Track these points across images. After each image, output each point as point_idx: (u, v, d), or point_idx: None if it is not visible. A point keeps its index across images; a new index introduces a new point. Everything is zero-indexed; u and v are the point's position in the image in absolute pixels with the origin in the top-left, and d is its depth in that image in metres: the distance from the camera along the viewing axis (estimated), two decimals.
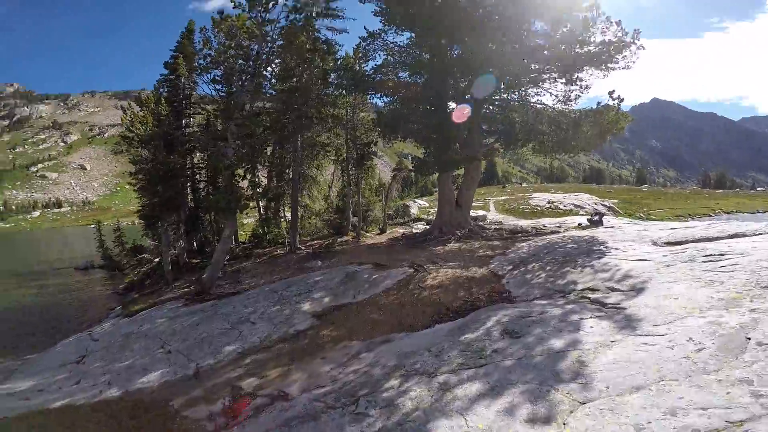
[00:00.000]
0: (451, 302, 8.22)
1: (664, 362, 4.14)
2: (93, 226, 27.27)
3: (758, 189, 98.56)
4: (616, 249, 9.75)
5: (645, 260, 8.16)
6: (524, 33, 13.79)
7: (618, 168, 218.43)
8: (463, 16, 13.70)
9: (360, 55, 18.32)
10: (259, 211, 23.91)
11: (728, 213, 51.22)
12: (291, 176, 18.91)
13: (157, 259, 20.94)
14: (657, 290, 6.31)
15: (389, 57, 16.99)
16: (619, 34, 12.53)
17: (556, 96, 15.16)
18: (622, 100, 12.64)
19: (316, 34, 19.05)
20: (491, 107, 16.76)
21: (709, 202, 61.10)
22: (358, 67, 18.58)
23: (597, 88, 14.87)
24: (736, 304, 5.16)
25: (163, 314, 11.89)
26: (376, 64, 17.39)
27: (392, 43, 16.90)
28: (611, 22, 12.86)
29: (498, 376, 4.55)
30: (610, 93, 12.67)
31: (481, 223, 18.88)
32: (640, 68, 14.36)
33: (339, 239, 19.76)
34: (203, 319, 10.28)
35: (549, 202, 43.39)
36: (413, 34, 16.12)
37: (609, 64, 13.56)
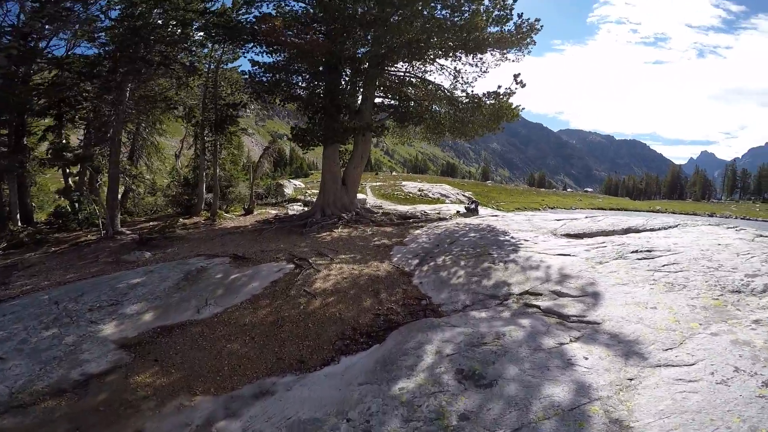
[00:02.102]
0: (357, 317, 5.84)
1: (738, 406, 2.79)
2: None
3: (568, 190, 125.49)
4: (526, 240, 8.84)
5: (569, 255, 7.22)
6: (434, 4, 11.95)
7: (467, 165, 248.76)
8: None
9: (241, 2, 13.99)
10: (66, 181, 17.09)
11: (552, 208, 62.36)
12: (111, 135, 13.40)
13: None
14: (616, 296, 5.14)
15: (278, 9, 13.20)
16: (524, 21, 11.88)
17: (455, 76, 14.03)
18: (524, 86, 12.14)
19: None
20: (387, 79, 14.71)
21: (536, 198, 73.74)
22: (235, 14, 14.22)
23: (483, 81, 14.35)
24: (727, 315, 4.19)
25: None
26: (260, 13, 13.31)
27: None
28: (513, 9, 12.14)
29: None
30: (515, 76, 12.01)
31: (368, 206, 16.98)
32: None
33: (186, 220, 15.27)
34: None
35: (419, 190, 45.08)
36: None
37: (506, 50, 12.93)
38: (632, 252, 6.73)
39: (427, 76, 14.43)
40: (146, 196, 20.87)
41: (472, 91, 13.24)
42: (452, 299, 6.22)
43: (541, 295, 5.71)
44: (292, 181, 41.85)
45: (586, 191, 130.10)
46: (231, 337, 5.45)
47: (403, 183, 51.74)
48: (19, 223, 15.42)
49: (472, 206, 18.51)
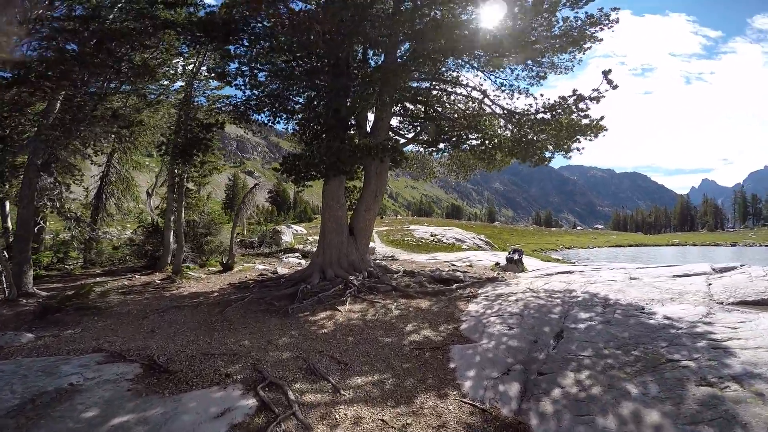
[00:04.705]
0: None
1: None
2: None
3: (578, 228, 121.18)
4: (706, 324, 4.64)
5: None
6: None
7: (471, 206, 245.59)
8: None
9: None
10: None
11: (568, 248, 57.86)
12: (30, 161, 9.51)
13: None
14: None
15: None
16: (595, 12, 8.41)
17: (502, 84, 10.43)
18: (616, 87, 8.41)
19: None
20: (409, 92, 11.01)
21: (550, 238, 69.43)
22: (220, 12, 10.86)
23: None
24: None
25: None
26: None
27: None
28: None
29: None
30: (605, 73, 8.25)
31: (384, 263, 12.76)
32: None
33: (142, 278, 11.06)
34: None
35: (432, 235, 40.93)
36: None
37: (573, 48, 9.34)
38: None
39: (463, 82, 10.84)
40: (107, 245, 16.88)
41: (544, 98, 9.41)
42: None
43: None
44: (292, 226, 37.82)
45: (597, 228, 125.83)
46: None
47: (412, 227, 47.81)
48: None
49: (516, 256, 14.30)
